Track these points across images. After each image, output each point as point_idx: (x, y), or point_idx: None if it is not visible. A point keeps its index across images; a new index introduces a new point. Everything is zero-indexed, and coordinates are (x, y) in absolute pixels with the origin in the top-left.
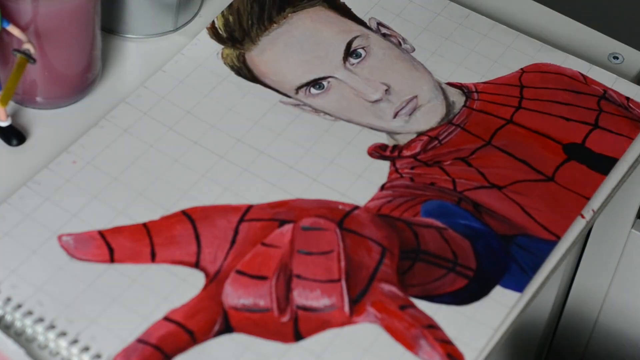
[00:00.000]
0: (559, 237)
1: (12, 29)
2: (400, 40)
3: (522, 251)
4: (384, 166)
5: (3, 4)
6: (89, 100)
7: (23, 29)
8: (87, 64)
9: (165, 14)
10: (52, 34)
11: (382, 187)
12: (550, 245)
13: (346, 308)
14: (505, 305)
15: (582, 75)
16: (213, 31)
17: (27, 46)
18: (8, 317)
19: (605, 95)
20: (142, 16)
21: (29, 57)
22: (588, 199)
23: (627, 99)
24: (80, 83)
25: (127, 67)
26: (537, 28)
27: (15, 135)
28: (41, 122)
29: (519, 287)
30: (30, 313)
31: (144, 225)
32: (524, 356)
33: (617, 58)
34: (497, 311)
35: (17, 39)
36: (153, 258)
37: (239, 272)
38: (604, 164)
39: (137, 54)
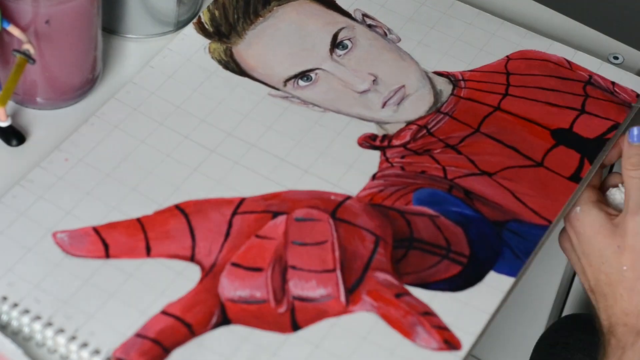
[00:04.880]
0: (550, 222)
1: (12, 29)
2: (385, 30)
3: (514, 236)
4: (375, 156)
5: (3, 4)
6: (89, 101)
7: (23, 29)
8: (87, 64)
9: (165, 14)
10: (53, 35)
11: (374, 177)
12: (542, 229)
13: (342, 297)
14: (499, 290)
15: (567, 61)
16: (200, 26)
17: (27, 46)
18: (4, 317)
19: (590, 80)
20: (142, 16)
21: (28, 58)
22: (577, 182)
23: (613, 83)
24: (81, 83)
25: (127, 67)
26: (536, 28)
27: (15, 135)
28: (41, 122)
29: (513, 271)
30: (27, 311)
31: (138, 220)
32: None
33: (617, 58)
34: (491, 296)
35: (17, 39)
36: (148, 253)
37: (235, 265)
38: (591, 148)
39: (137, 54)
